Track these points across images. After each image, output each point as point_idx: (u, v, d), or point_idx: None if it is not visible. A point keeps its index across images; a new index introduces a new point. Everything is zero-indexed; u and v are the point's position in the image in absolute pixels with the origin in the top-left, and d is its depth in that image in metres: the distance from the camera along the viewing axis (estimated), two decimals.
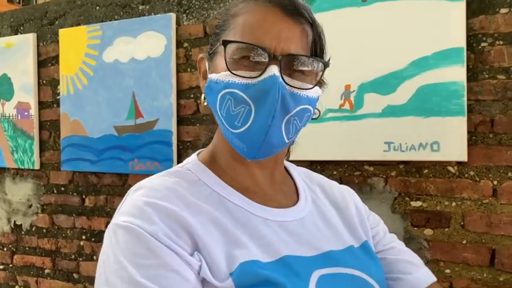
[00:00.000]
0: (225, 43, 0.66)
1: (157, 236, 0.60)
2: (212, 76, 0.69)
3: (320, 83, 0.73)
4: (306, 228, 0.72)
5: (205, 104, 0.73)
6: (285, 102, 0.65)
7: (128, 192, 0.69)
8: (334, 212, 0.80)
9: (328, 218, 0.77)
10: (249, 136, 0.65)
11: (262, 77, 0.64)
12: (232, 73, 0.65)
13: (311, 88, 0.68)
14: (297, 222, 0.72)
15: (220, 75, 0.67)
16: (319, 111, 0.76)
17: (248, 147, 0.67)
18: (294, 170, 0.85)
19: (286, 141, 0.68)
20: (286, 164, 0.85)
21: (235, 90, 0.65)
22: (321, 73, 0.70)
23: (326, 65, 0.70)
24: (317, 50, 0.70)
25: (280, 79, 0.64)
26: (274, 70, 0.64)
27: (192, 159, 0.76)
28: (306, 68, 0.67)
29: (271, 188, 0.75)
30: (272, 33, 0.65)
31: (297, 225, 0.72)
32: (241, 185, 0.72)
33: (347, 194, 0.87)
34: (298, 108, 0.67)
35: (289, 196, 0.77)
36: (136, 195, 0.66)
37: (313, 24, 0.69)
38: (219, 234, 0.64)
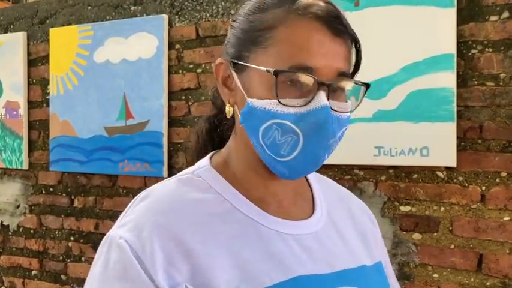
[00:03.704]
0: (277, 73, 0.60)
1: (146, 265, 0.58)
2: (254, 102, 0.63)
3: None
4: (320, 242, 0.69)
5: (230, 115, 0.69)
6: (334, 130, 0.63)
7: (135, 198, 0.67)
8: (350, 226, 0.77)
9: (342, 233, 0.74)
10: (296, 165, 0.63)
11: (312, 106, 0.61)
12: (281, 103, 0.61)
13: (353, 110, 0.66)
14: (311, 236, 0.69)
15: (266, 103, 0.62)
16: None
17: (291, 173, 0.65)
18: (313, 178, 0.80)
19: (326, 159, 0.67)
20: None
21: (285, 121, 0.61)
22: (363, 94, 0.67)
23: (367, 86, 0.67)
24: (358, 68, 0.68)
25: (330, 109, 0.61)
26: (323, 98, 0.61)
27: (205, 163, 0.72)
28: (348, 89, 0.66)
29: (286, 199, 0.71)
30: (320, 56, 0.61)
31: (312, 239, 0.68)
32: (255, 195, 0.68)
33: (364, 209, 0.85)
34: (341, 131, 0.65)
35: (305, 207, 0.74)
36: (141, 207, 0.65)
37: (358, 43, 0.66)
38: (224, 256, 0.61)
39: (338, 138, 0.66)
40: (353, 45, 0.66)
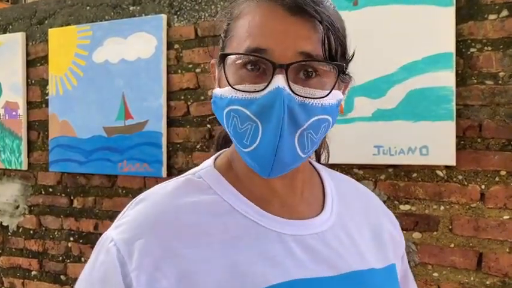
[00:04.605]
0: (223, 57, 0.61)
1: (129, 269, 0.59)
2: (217, 91, 0.64)
3: (342, 81, 0.66)
4: (326, 243, 0.66)
5: None
6: (294, 116, 0.58)
7: (133, 201, 0.67)
8: (364, 226, 0.74)
9: (352, 233, 0.70)
10: (259, 156, 0.60)
11: (266, 91, 0.58)
12: (234, 88, 0.60)
13: (325, 96, 0.60)
14: (317, 236, 0.66)
15: (224, 90, 0.62)
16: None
17: (260, 167, 0.61)
18: (327, 175, 0.77)
19: (303, 156, 0.62)
20: (319, 167, 0.78)
21: (239, 107, 0.59)
22: (336, 77, 0.62)
23: (340, 67, 0.62)
24: (331, 48, 0.61)
25: (287, 90, 0.57)
26: (279, 81, 0.57)
27: (208, 164, 0.71)
28: (319, 73, 0.61)
29: (291, 197, 0.68)
30: (275, 37, 0.58)
31: (317, 239, 0.66)
32: (257, 194, 0.67)
33: (384, 211, 0.81)
34: (311, 121, 0.60)
35: (313, 205, 0.71)
36: (136, 210, 0.65)
37: (322, 20, 0.60)
38: (217, 258, 0.60)
39: (312, 129, 0.60)
40: (321, 24, 0.60)
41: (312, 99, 0.59)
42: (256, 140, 0.59)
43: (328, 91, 0.61)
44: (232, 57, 0.60)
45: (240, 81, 0.60)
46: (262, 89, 0.58)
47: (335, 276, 0.64)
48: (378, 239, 0.74)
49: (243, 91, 0.59)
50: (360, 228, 0.73)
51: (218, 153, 0.74)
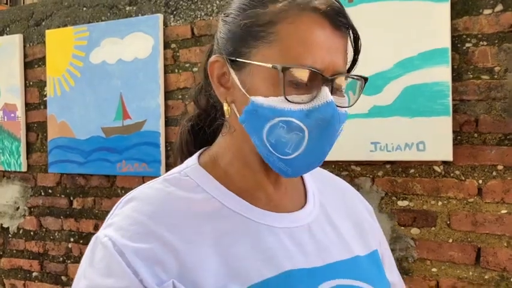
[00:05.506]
0: (285, 69, 0.59)
1: (129, 260, 0.58)
2: (259, 100, 0.61)
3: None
4: (312, 235, 0.68)
5: (229, 115, 0.66)
6: (339, 126, 0.63)
7: (121, 200, 0.67)
8: (344, 216, 0.76)
9: (335, 223, 0.73)
10: (300, 162, 0.63)
11: (317, 102, 0.60)
12: (289, 100, 0.60)
13: (352, 105, 0.66)
14: (303, 228, 0.68)
15: (271, 100, 0.61)
16: None
17: (294, 171, 0.64)
18: None
19: None
20: None
21: (291, 119, 0.60)
22: (361, 88, 0.66)
23: (366, 80, 0.66)
24: (356, 61, 0.67)
25: (334, 102, 0.61)
26: (328, 94, 0.60)
27: (192, 162, 0.70)
28: (346, 84, 0.65)
29: (276, 192, 0.70)
30: (324, 51, 0.60)
31: (304, 231, 0.68)
32: (244, 190, 0.68)
33: (360, 199, 0.84)
34: (342, 126, 0.64)
35: (296, 199, 0.73)
36: (127, 209, 0.64)
37: (356, 34, 0.65)
38: (212, 254, 0.61)
39: (339, 133, 0.65)
40: (352, 38, 0.65)
41: (345, 109, 0.64)
42: (299, 148, 0.61)
43: (355, 98, 0.66)
44: (289, 71, 0.60)
45: (288, 92, 0.60)
46: (309, 101, 0.61)
47: (323, 266, 0.66)
48: (359, 227, 0.77)
49: (296, 102, 0.60)
50: (342, 218, 0.75)
51: (200, 151, 0.73)
